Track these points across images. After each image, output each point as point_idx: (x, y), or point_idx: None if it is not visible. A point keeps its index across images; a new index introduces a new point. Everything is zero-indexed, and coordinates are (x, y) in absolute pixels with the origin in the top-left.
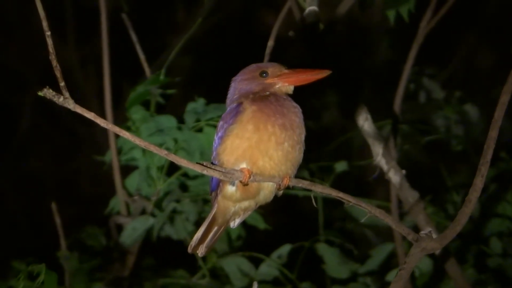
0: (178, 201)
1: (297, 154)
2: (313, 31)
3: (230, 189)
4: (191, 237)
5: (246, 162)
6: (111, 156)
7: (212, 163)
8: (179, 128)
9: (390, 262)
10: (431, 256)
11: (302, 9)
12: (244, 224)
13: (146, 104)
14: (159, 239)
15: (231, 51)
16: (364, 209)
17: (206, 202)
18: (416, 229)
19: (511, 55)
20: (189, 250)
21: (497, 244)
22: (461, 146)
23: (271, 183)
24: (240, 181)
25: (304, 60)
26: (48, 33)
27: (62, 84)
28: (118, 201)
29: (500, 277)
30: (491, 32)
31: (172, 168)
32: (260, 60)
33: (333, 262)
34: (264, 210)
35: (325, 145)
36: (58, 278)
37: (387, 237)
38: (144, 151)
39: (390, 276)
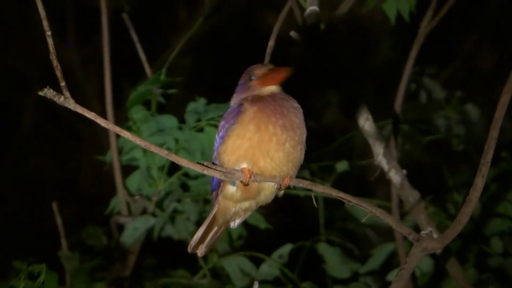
0: (179, 201)
1: (298, 155)
2: (314, 31)
3: (230, 189)
4: (192, 237)
5: (247, 162)
6: (112, 156)
7: (213, 162)
8: (180, 128)
9: (391, 262)
10: (432, 256)
11: (303, 9)
12: (245, 223)
13: (147, 104)
14: (160, 239)
15: (231, 51)
16: (365, 209)
17: (207, 202)
18: (417, 229)
19: None
20: (189, 250)
21: (498, 244)
22: (462, 146)
23: (271, 184)
24: (241, 181)
25: (305, 60)
26: (49, 33)
27: (62, 84)
28: (119, 201)
29: (501, 277)
30: (491, 32)
31: (173, 168)
32: (261, 60)
33: (334, 262)
34: (265, 210)
35: (326, 145)
36: (59, 278)
37: (388, 237)
38: (145, 151)
39: (391, 276)
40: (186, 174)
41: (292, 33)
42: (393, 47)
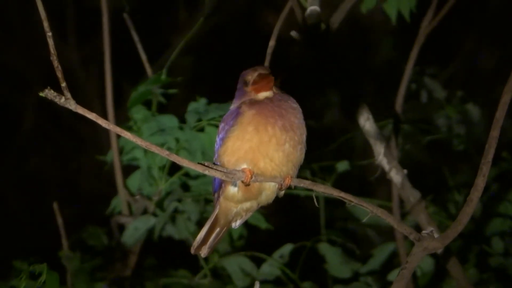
0: (179, 200)
1: (299, 155)
2: (315, 31)
3: (232, 190)
4: (193, 237)
5: (247, 163)
6: (113, 155)
7: (214, 163)
8: (181, 128)
9: (392, 262)
10: (433, 255)
11: (303, 9)
12: (246, 223)
13: (147, 104)
14: (160, 238)
15: (232, 51)
16: (366, 209)
17: (208, 201)
18: (417, 228)
19: None
20: (192, 251)
21: (499, 244)
22: (462, 146)
23: (272, 184)
24: (242, 181)
25: (305, 60)
26: (49, 34)
27: (63, 84)
28: (120, 201)
29: (502, 276)
30: (492, 31)
31: (174, 167)
32: (261, 60)
33: (335, 262)
34: (266, 210)
35: (327, 145)
36: (60, 278)
37: (389, 236)
38: (145, 150)
39: (392, 275)
40: (187, 174)
41: (293, 33)
42: (394, 47)
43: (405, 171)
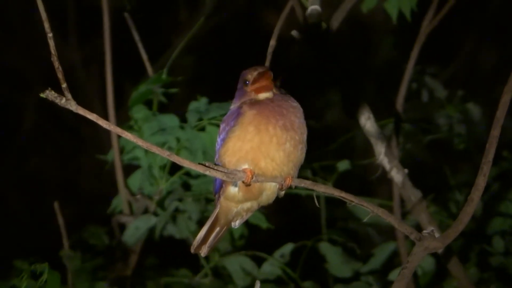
0: (180, 200)
1: (299, 154)
2: (316, 31)
3: (232, 190)
4: (194, 236)
5: (248, 163)
6: (114, 155)
7: (215, 163)
8: (182, 127)
9: (393, 261)
10: (434, 255)
11: (304, 8)
12: (246, 223)
13: (148, 104)
14: (161, 238)
15: (233, 50)
16: (367, 208)
17: (208, 201)
18: (418, 228)
19: None
20: (192, 250)
21: (500, 243)
22: (463, 145)
23: (273, 184)
24: (243, 182)
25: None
26: (50, 34)
27: (64, 85)
28: (121, 200)
29: (503, 275)
30: (493, 31)
31: (175, 167)
32: (262, 60)
33: (336, 261)
34: (267, 209)
35: (327, 144)
36: (61, 277)
37: (390, 236)
38: (146, 150)
39: (393, 275)
40: (188, 173)
41: (293, 33)
42: (394, 47)
43: (406, 170)
